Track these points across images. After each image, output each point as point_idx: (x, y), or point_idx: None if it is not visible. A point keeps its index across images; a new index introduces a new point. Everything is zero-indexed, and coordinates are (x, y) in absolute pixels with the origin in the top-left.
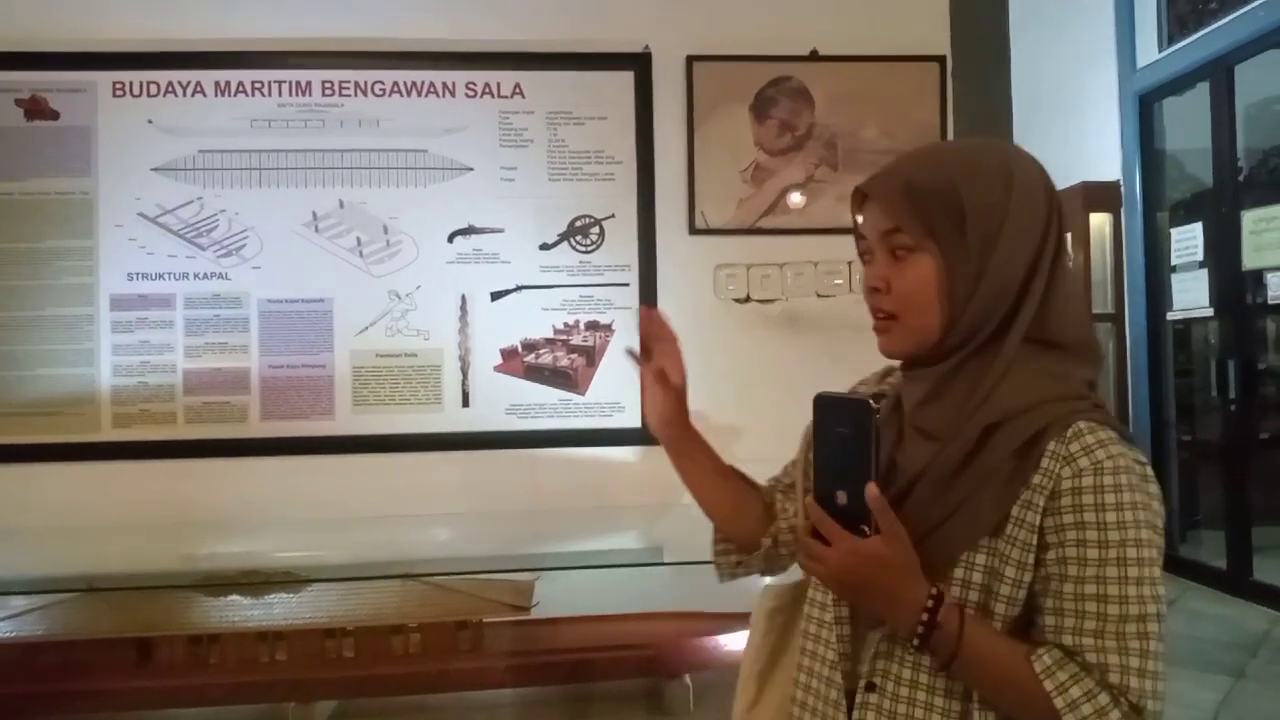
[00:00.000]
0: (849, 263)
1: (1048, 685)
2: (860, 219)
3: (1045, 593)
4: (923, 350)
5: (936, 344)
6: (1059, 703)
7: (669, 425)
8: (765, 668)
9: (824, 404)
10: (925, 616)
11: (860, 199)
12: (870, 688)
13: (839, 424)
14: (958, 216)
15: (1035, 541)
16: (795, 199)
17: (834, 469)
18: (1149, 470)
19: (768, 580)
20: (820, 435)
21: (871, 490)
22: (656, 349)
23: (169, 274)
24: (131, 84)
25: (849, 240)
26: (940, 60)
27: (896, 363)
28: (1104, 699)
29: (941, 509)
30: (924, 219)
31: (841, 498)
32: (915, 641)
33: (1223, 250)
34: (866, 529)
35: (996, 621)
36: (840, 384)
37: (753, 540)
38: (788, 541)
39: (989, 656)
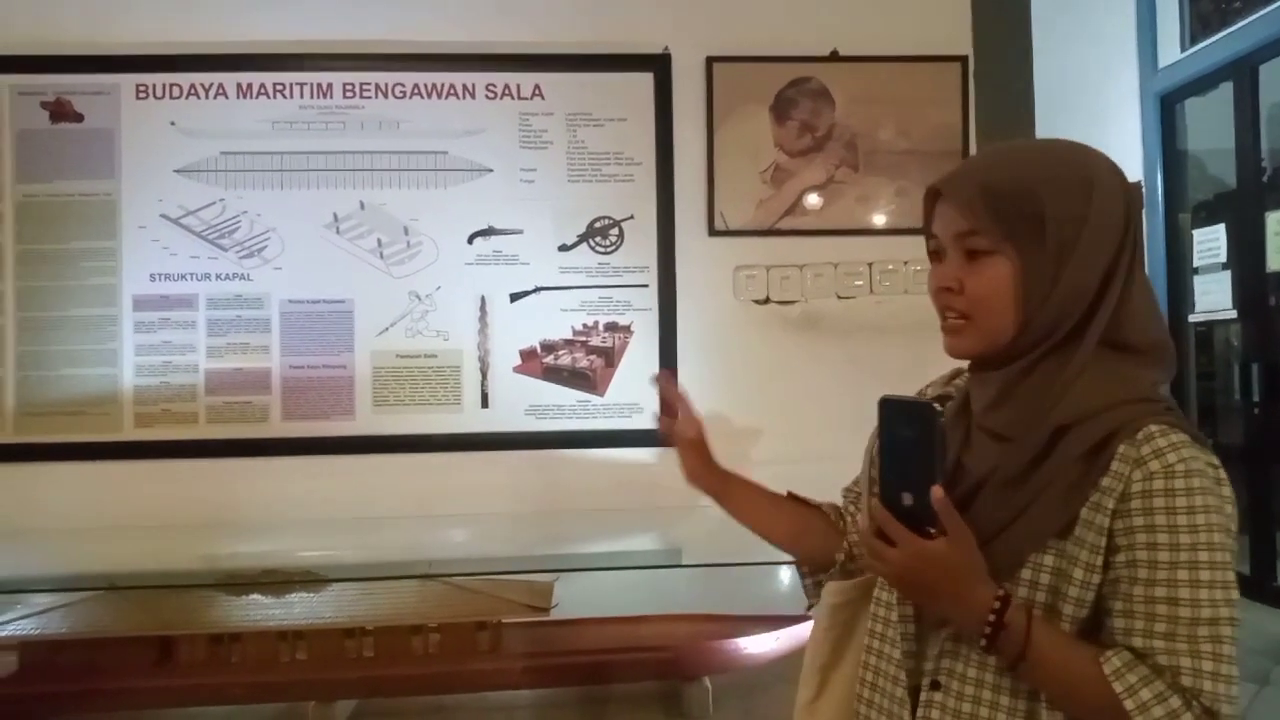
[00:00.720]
0: (869, 264)
1: (1117, 687)
2: (931, 217)
3: (1114, 595)
4: (993, 352)
5: (1007, 346)
6: (1129, 704)
7: (701, 478)
8: (828, 662)
9: (889, 407)
10: (992, 618)
11: (933, 197)
12: (935, 686)
13: (904, 426)
14: (1036, 220)
15: (1104, 544)
16: (812, 200)
17: (899, 471)
18: (1222, 474)
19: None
20: (885, 438)
21: (937, 492)
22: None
23: (191, 275)
24: (154, 86)
25: (869, 241)
26: (962, 60)
27: (964, 365)
28: (1176, 702)
29: (1009, 510)
30: (1002, 222)
31: (907, 499)
32: (982, 642)
33: (1246, 252)
34: (932, 530)
35: (1065, 623)
36: (859, 385)
37: (827, 558)
38: (862, 555)
39: (1056, 658)
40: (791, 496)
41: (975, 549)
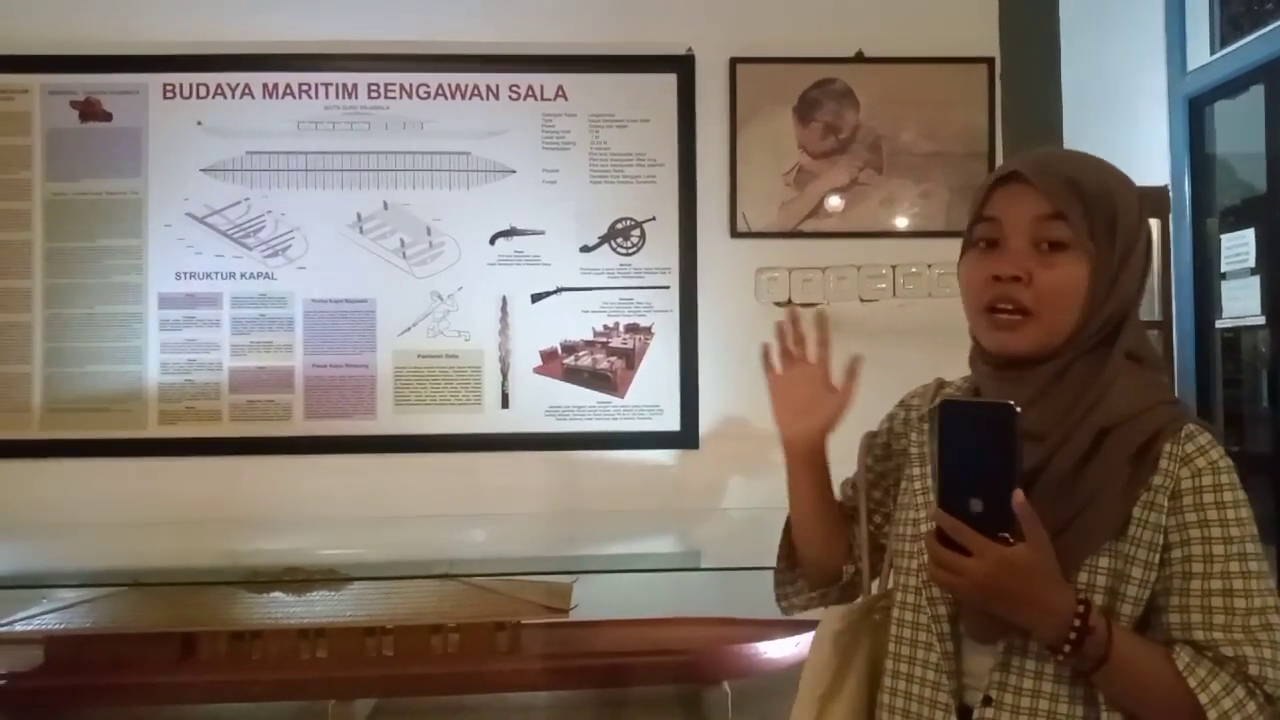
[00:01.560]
0: (893, 267)
1: (1191, 682)
2: (989, 201)
3: (1169, 591)
4: (1043, 350)
5: (1056, 346)
6: (1203, 699)
7: (815, 436)
8: (828, 691)
9: (954, 410)
10: (1077, 623)
11: (1001, 180)
12: (987, 701)
13: (974, 430)
14: (1112, 222)
15: (1161, 541)
16: (834, 202)
17: (967, 477)
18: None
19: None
20: (950, 443)
21: (1019, 496)
22: (816, 354)
23: (216, 273)
24: (181, 86)
25: (893, 244)
26: (989, 62)
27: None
28: (1241, 692)
29: (1063, 513)
30: (1088, 217)
31: (976, 505)
32: (1066, 648)
33: (1275, 257)
34: (1008, 537)
35: (1123, 622)
36: (881, 389)
37: (834, 570)
38: (852, 573)
39: (1135, 659)
40: (837, 503)
41: (1053, 554)
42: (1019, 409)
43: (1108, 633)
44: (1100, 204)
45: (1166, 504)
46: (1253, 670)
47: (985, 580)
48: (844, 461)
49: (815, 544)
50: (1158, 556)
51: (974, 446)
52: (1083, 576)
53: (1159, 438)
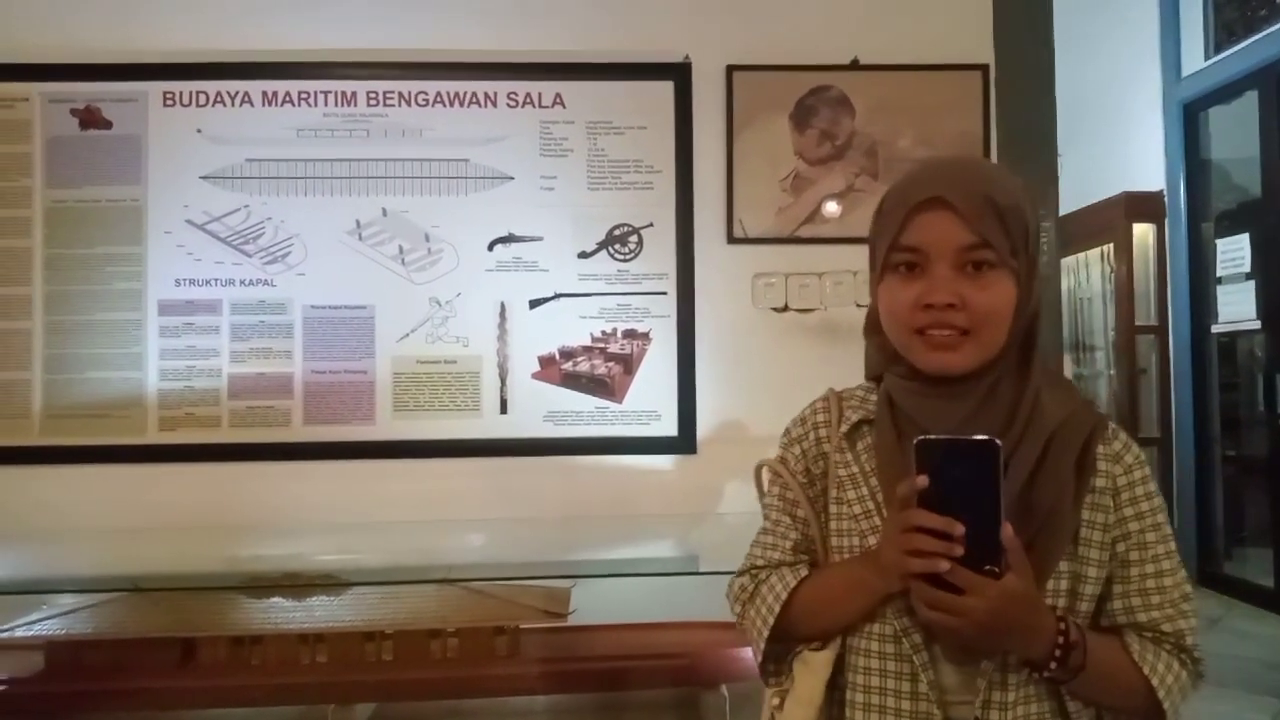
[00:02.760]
0: None
1: (1145, 669)
2: (908, 226)
3: (1110, 579)
4: (980, 366)
5: (992, 359)
6: (1154, 681)
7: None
8: None
9: (931, 447)
10: (1062, 640)
11: (922, 204)
12: None
13: (954, 466)
14: (1025, 235)
15: (1110, 539)
16: (831, 208)
17: (948, 513)
18: None
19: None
20: (928, 480)
21: (1008, 530)
22: None
23: (216, 280)
24: (181, 94)
25: None
26: (983, 69)
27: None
28: (1176, 665)
29: (1025, 529)
30: (1010, 237)
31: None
32: (1052, 665)
33: (1270, 261)
34: (996, 569)
35: (1081, 619)
36: None
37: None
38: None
39: (1105, 657)
40: None
41: (1033, 578)
42: (999, 442)
43: (1084, 642)
44: (1015, 219)
45: (1111, 503)
46: (1188, 641)
47: (988, 617)
48: None
49: (829, 632)
50: (1108, 554)
51: (953, 483)
52: (1049, 583)
53: (1093, 439)
